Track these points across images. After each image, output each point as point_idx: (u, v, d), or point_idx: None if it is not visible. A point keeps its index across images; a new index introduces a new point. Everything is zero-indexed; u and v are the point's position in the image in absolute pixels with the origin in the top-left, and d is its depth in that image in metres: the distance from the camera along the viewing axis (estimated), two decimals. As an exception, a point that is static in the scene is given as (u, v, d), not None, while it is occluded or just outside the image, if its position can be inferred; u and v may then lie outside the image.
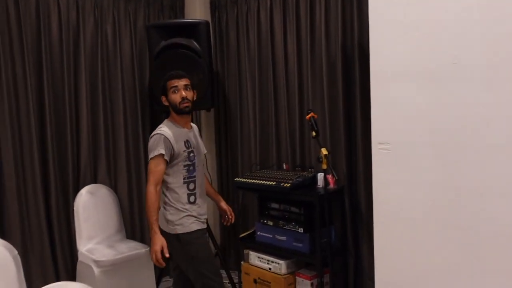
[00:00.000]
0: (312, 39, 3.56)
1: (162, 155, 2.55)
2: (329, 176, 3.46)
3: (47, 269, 3.56)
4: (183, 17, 4.30)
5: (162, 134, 2.59)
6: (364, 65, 3.26)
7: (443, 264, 2.40)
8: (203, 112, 4.34)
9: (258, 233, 3.67)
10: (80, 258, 3.56)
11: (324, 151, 2.93)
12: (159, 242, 2.51)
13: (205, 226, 2.77)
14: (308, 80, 3.62)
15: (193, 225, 2.65)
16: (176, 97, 2.66)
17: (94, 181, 3.87)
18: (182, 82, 2.67)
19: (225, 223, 3.12)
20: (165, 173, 2.61)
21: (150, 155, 2.58)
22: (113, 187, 3.95)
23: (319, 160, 2.94)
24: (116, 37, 3.90)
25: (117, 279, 3.46)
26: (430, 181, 2.37)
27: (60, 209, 3.66)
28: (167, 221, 2.61)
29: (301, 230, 3.36)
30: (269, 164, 3.94)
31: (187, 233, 2.62)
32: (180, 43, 3.63)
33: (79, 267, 3.59)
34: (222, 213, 3.11)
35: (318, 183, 3.50)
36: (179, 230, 2.61)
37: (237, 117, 4.14)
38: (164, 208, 2.64)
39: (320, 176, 3.48)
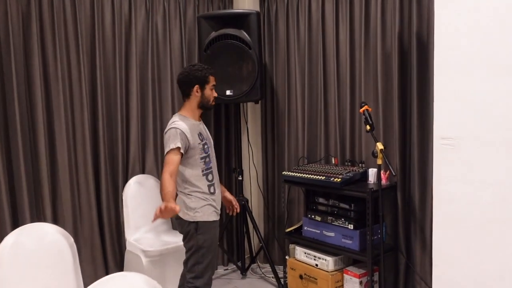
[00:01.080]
0: (366, 29, 3.44)
1: (178, 148, 2.52)
2: (382, 172, 3.35)
3: (97, 257, 3.63)
4: (232, 8, 4.26)
5: (178, 128, 2.55)
6: (422, 56, 3.13)
7: (509, 269, 2.26)
8: (250, 104, 4.30)
9: (305, 228, 3.60)
10: (128, 247, 3.60)
11: (379, 145, 2.83)
12: (167, 205, 2.37)
13: (219, 218, 2.75)
14: (361, 72, 3.51)
15: (212, 215, 2.65)
16: (212, 94, 2.68)
17: (143, 171, 3.90)
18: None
19: (230, 213, 3.06)
20: (185, 167, 2.60)
21: (166, 149, 2.54)
22: (160, 177, 3.96)
23: (374, 155, 2.84)
24: (166, 28, 3.90)
25: (164, 268, 3.48)
26: (499, 180, 2.23)
27: (109, 199, 3.72)
28: (188, 208, 2.58)
29: (351, 226, 3.27)
30: (317, 158, 3.86)
31: (206, 221, 2.61)
32: (230, 34, 3.60)
33: (127, 256, 3.63)
34: (226, 204, 3.02)
35: (369, 179, 3.40)
36: (199, 217, 2.59)
37: (284, 109, 4.07)
38: (186, 196, 2.61)
39: (372, 171, 3.38)
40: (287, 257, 3.70)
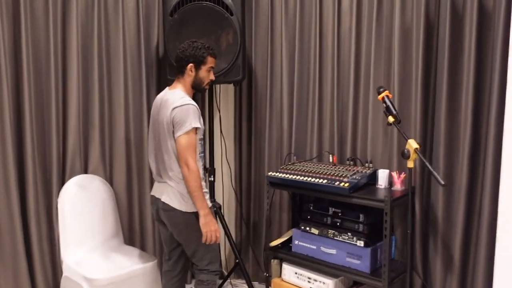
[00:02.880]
0: (380, -5, 2.76)
1: (196, 128, 2.28)
2: (395, 174, 2.71)
3: (22, 286, 2.70)
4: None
5: (195, 105, 2.29)
6: (456, 33, 2.49)
7: None
8: (222, 86, 3.50)
9: (296, 242, 2.90)
10: (65, 272, 2.71)
11: (413, 143, 2.16)
12: (215, 222, 2.36)
13: None
14: (370, 50, 2.82)
15: (208, 202, 2.38)
16: (207, 77, 2.42)
17: (85, 170, 3.01)
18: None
19: None
20: None
21: (184, 128, 2.24)
22: (108, 178, 3.09)
23: (404, 156, 2.18)
24: (117, -16, 3.00)
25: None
26: None
27: (39, 207, 2.80)
28: (185, 197, 2.33)
29: (360, 243, 2.60)
30: (307, 154, 3.15)
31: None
32: (205, -6, 2.77)
33: (64, 283, 2.73)
34: None
35: (380, 182, 2.75)
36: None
37: (265, 93, 3.31)
38: (179, 184, 2.34)
39: (383, 173, 2.73)
40: (267, 274, 2.99)
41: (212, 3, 2.77)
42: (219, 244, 2.59)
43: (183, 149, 2.24)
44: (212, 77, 2.44)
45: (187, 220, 2.35)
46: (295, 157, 3.14)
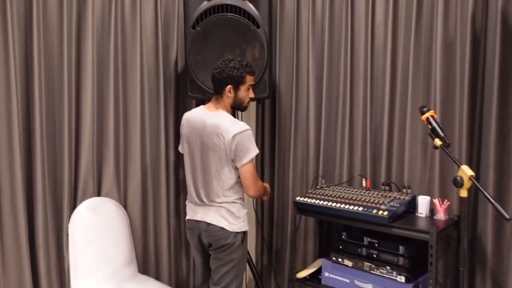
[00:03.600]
0: (419, 5, 2.54)
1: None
2: (438, 202, 2.47)
3: (28, 319, 2.49)
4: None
5: (250, 129, 2.24)
6: (508, 45, 2.27)
7: None
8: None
9: (326, 274, 2.66)
10: (76, 305, 2.49)
11: (467, 170, 1.93)
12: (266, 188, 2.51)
13: None
14: (408, 66, 2.60)
15: (246, 224, 2.40)
16: (247, 96, 2.34)
17: (98, 193, 2.81)
18: None
19: None
20: (235, 173, 2.29)
21: (249, 156, 2.22)
22: (123, 201, 2.89)
23: (457, 184, 1.94)
24: (135, -4, 2.83)
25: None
26: None
27: (49, 234, 2.59)
28: (236, 217, 2.30)
29: (400, 278, 2.35)
30: (336, 178, 2.92)
31: (247, 231, 2.38)
32: (230, 5, 2.59)
33: (74, 317, 2.51)
34: None
35: (420, 210, 2.52)
36: (245, 227, 2.36)
37: (290, 111, 3.10)
38: (230, 205, 2.30)
39: (424, 200, 2.50)
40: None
41: (237, 15, 2.58)
42: (243, 275, 2.44)
43: (252, 175, 2.26)
44: (251, 95, 2.36)
45: (234, 240, 2.29)
46: (323, 180, 2.91)
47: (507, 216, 1.74)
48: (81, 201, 2.71)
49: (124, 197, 2.90)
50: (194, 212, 2.37)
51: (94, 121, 2.74)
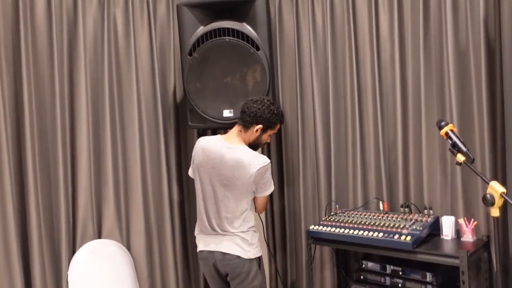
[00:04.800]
0: (425, 16, 2.42)
1: None
2: (464, 222, 2.29)
3: None
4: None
5: (269, 161, 2.24)
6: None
7: None
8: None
9: (348, 307, 2.45)
10: None
11: (497, 186, 1.75)
12: None
13: None
14: (419, 80, 2.46)
15: (259, 250, 2.36)
16: (266, 140, 2.36)
17: (99, 235, 2.63)
18: None
19: None
20: (252, 205, 2.31)
21: (270, 189, 2.29)
22: (125, 242, 2.71)
23: (488, 203, 1.77)
24: (129, 26, 2.73)
25: None
26: None
27: (47, 282, 2.41)
28: (250, 244, 2.27)
29: (431, 309, 2.15)
30: (350, 203, 2.75)
31: (261, 256, 2.35)
32: (227, 28, 2.47)
33: None
34: None
35: (444, 232, 2.34)
36: (259, 252, 2.32)
37: (296, 133, 2.95)
38: (244, 234, 2.26)
39: (449, 220, 2.32)
40: None
41: (235, 38, 2.46)
42: None
43: (264, 205, 2.35)
44: (269, 140, 2.39)
45: (250, 266, 2.25)
46: (337, 206, 2.73)
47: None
48: (81, 244, 2.55)
49: (127, 237, 2.73)
50: (207, 243, 2.30)
51: (91, 159, 2.60)
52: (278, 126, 2.33)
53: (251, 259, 2.23)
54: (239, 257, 2.21)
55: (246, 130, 2.26)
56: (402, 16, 2.53)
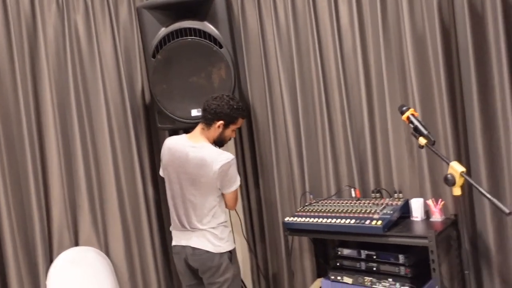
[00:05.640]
0: (383, 4, 2.47)
1: None
2: (432, 203, 2.35)
3: None
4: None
5: (234, 157, 2.28)
6: (479, 34, 2.19)
7: None
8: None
9: (327, 294, 2.51)
10: None
11: (457, 166, 1.81)
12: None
13: None
14: (381, 67, 2.52)
15: (234, 241, 2.44)
16: (230, 135, 2.39)
17: (75, 243, 2.63)
18: None
19: None
20: (220, 202, 2.35)
21: (235, 185, 2.31)
22: (104, 248, 2.71)
23: (449, 182, 1.82)
24: (91, 31, 2.72)
25: None
26: None
27: (25, 294, 2.40)
28: (220, 239, 2.31)
29: (405, 289, 2.22)
30: (324, 192, 2.79)
31: (234, 248, 2.39)
32: (189, 28, 2.49)
33: None
34: None
35: (414, 214, 2.40)
36: (230, 246, 2.36)
37: (267, 127, 2.97)
38: (213, 229, 2.31)
39: (417, 202, 2.38)
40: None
41: (197, 38, 2.48)
42: None
43: (233, 201, 2.36)
44: (234, 135, 2.41)
45: (220, 260, 2.29)
46: (311, 196, 2.78)
47: (507, 211, 1.62)
48: (58, 253, 2.54)
49: (105, 242, 2.73)
50: (179, 238, 2.36)
51: (62, 166, 2.60)
52: (240, 121, 2.36)
53: (221, 253, 2.28)
54: (208, 251, 2.26)
55: (208, 128, 2.29)
56: (361, 6, 2.57)
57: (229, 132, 2.34)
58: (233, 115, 2.29)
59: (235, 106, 2.29)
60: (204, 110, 2.30)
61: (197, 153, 2.23)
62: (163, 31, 2.53)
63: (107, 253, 2.72)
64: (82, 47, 2.72)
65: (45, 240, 2.52)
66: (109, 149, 2.74)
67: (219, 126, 2.28)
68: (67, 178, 2.62)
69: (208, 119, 2.28)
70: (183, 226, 2.31)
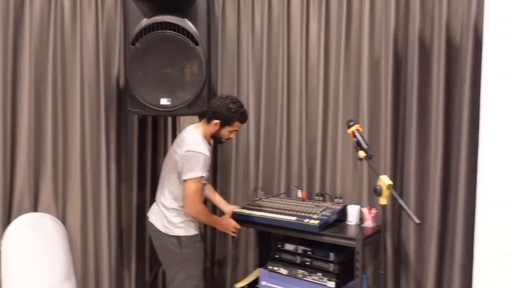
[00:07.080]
0: (347, 27, 2.72)
1: (203, 177, 2.43)
2: (366, 210, 2.62)
3: None
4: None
5: (206, 155, 2.43)
6: (425, 64, 2.48)
7: None
8: (181, 118, 3.35)
9: (263, 283, 2.74)
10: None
11: (385, 180, 2.07)
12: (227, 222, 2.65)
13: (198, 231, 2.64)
14: (339, 82, 2.77)
15: (193, 230, 2.55)
16: (227, 136, 2.55)
17: (34, 208, 2.77)
18: None
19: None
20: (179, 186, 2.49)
21: (192, 174, 2.39)
22: (61, 216, 2.86)
23: (376, 192, 2.08)
24: (76, 14, 2.87)
25: None
26: None
27: (-19, 250, 2.53)
28: (170, 222, 2.50)
29: (331, 284, 2.47)
30: (275, 189, 3.03)
31: (188, 236, 2.51)
32: (169, 23, 2.66)
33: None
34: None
35: (350, 218, 2.66)
36: (181, 232, 2.49)
37: (231, 126, 3.18)
38: (168, 211, 2.51)
39: (354, 209, 2.64)
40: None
41: (176, 33, 2.66)
42: (201, 273, 2.60)
43: (191, 194, 2.41)
44: (232, 136, 2.57)
45: (167, 242, 2.48)
46: (262, 192, 3.01)
47: (417, 221, 1.89)
48: (16, 216, 2.67)
49: (62, 212, 2.88)
50: (151, 211, 2.64)
51: (32, 135, 2.73)
52: (237, 124, 2.51)
53: (168, 235, 2.48)
54: (159, 230, 2.51)
55: (208, 123, 2.51)
56: (329, 26, 2.81)
57: (225, 132, 2.51)
58: (229, 118, 2.46)
59: (233, 110, 2.46)
60: (209, 106, 2.54)
61: (185, 134, 2.52)
62: (145, 21, 2.69)
63: (64, 222, 2.87)
64: (66, 23, 2.86)
65: (5, 203, 2.64)
66: (78, 124, 2.89)
67: (215, 124, 2.48)
68: (35, 147, 2.75)
69: (208, 116, 2.51)
70: (156, 199, 2.59)
